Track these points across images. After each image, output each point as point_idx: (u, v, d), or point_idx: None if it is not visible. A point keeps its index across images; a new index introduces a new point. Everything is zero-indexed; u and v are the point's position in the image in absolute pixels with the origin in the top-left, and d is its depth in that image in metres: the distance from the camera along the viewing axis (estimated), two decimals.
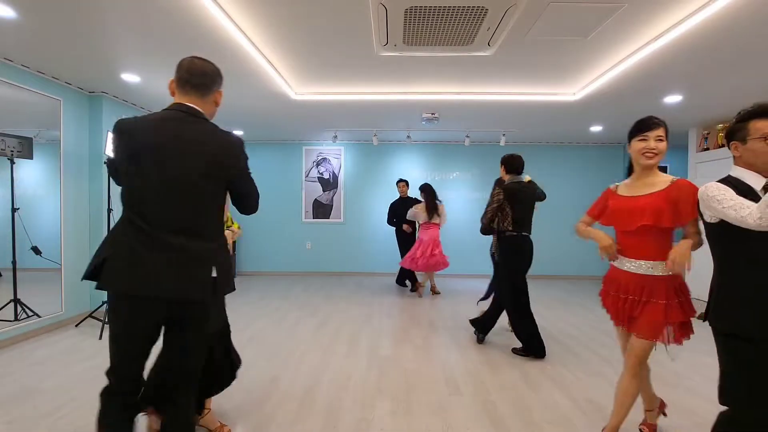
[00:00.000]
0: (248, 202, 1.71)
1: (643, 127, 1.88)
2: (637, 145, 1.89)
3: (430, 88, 4.32)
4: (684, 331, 1.87)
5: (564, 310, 5.03)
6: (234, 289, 1.67)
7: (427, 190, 5.50)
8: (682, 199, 1.76)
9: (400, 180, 6.02)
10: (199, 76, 1.56)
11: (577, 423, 2.36)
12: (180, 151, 1.46)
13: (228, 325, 2.18)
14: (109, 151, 3.91)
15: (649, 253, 1.86)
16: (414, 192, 5.93)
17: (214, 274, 1.51)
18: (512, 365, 3.22)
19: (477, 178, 7.21)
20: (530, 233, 3.44)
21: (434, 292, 5.85)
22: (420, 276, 6.01)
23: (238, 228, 2.57)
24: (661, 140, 1.85)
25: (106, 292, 1.48)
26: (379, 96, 4.50)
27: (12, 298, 3.53)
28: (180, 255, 1.44)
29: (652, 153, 1.85)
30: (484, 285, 5.82)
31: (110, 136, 3.94)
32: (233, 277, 1.74)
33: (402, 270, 5.91)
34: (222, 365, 2.10)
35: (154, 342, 1.55)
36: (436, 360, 3.32)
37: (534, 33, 2.92)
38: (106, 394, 1.53)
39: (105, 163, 3.98)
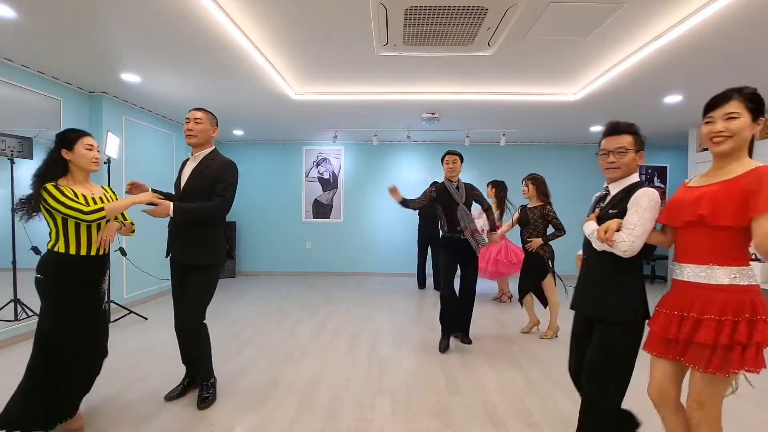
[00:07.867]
0: None
1: (708, 107, 1.50)
2: (704, 129, 1.52)
3: (430, 88, 4.32)
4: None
5: (564, 310, 5.01)
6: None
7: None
8: (755, 190, 1.36)
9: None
10: None
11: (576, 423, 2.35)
12: None
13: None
14: (110, 152, 3.91)
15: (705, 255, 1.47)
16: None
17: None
18: (513, 365, 3.22)
19: (477, 178, 7.17)
20: None
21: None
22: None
23: (131, 224, 2.38)
24: (733, 118, 1.44)
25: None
26: (379, 96, 4.50)
27: (12, 298, 3.53)
28: None
29: (721, 137, 1.45)
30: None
31: (110, 136, 3.94)
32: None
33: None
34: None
35: None
36: (436, 360, 3.32)
37: (534, 33, 2.92)
38: None
39: (105, 162, 3.98)
